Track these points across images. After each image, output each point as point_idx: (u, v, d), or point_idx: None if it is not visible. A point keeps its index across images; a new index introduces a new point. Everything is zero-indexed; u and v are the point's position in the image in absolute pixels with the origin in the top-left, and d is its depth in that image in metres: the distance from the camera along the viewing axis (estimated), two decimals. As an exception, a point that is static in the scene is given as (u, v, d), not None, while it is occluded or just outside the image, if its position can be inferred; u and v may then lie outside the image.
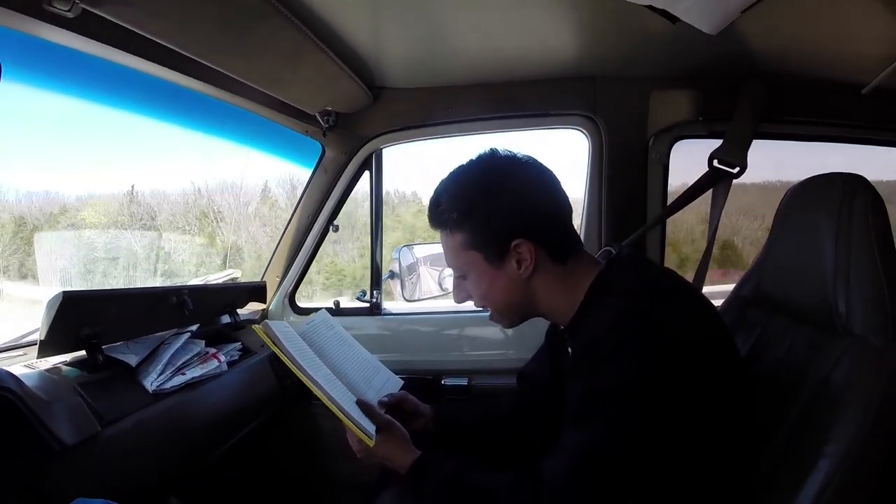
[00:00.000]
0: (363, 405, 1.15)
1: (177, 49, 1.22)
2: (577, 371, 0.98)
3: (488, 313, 1.14)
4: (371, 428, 1.11)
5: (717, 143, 1.66)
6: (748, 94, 1.61)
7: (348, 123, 1.92)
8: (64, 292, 1.13)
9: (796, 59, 1.56)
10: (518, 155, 1.08)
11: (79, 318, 1.20)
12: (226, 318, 1.83)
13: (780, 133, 1.78)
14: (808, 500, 0.93)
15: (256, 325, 1.12)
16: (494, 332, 1.96)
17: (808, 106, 1.71)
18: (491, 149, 1.08)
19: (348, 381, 1.21)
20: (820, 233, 1.08)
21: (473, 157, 1.09)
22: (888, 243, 1.03)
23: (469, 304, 1.15)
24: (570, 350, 1.11)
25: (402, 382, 1.37)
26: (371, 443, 1.09)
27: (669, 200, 1.79)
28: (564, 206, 1.08)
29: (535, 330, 1.38)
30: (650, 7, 1.08)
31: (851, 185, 1.06)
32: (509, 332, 1.91)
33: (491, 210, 1.03)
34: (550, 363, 1.30)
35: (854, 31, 1.38)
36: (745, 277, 1.35)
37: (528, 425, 1.33)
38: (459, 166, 1.09)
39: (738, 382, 1.00)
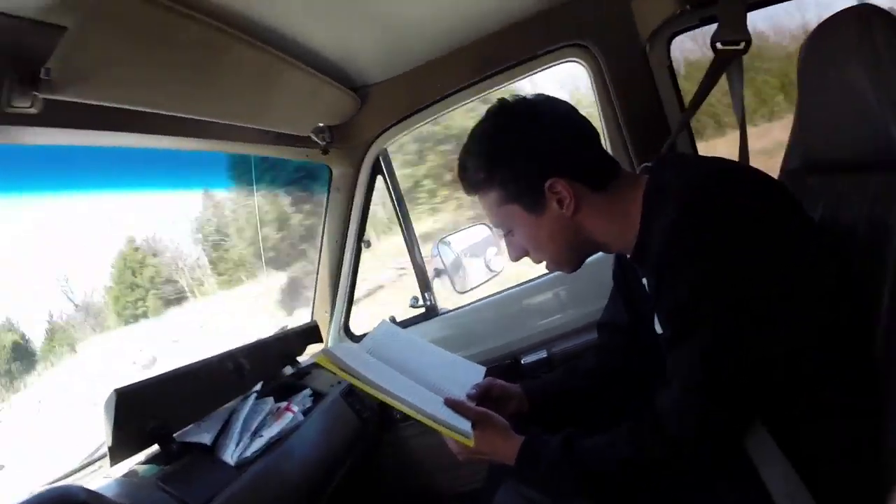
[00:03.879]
0: (452, 403, 1.09)
1: (150, 110, 1.14)
2: (660, 293, 0.92)
3: (546, 272, 1.11)
4: (466, 426, 1.04)
5: (713, 28, 1.55)
6: None
7: (345, 134, 1.84)
8: (116, 390, 1.08)
9: None
10: (527, 96, 1.05)
11: (140, 411, 1.14)
12: (288, 370, 1.77)
13: None
14: None
15: (320, 356, 1.03)
16: (558, 295, 1.89)
17: None
18: (499, 100, 1.05)
19: (429, 385, 1.13)
20: (850, 77, 0.98)
21: (484, 114, 1.07)
22: None
23: (524, 272, 1.08)
24: (644, 279, 1.07)
25: (485, 369, 1.29)
26: (470, 442, 1.02)
27: (685, 100, 1.69)
28: (588, 132, 1.04)
29: (598, 279, 1.38)
30: None
31: (865, 18, 0.97)
32: (574, 290, 1.86)
33: (514, 159, 1.00)
34: (626, 304, 1.27)
35: None
36: (787, 153, 1.25)
37: (617, 372, 1.28)
38: (475, 127, 1.07)
39: (820, 247, 0.91)
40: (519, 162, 1.00)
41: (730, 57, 1.51)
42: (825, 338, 0.89)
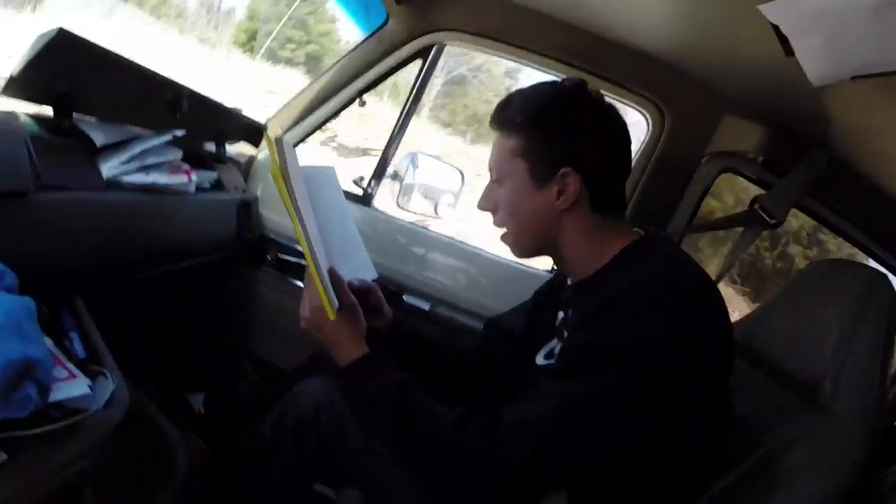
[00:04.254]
0: (335, 276, 1.04)
1: None
2: (583, 325, 0.92)
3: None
4: (335, 302, 1.00)
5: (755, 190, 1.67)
6: (810, 161, 1.57)
7: (426, 4, 1.74)
8: (61, 29, 0.98)
9: (866, 154, 1.49)
10: (606, 98, 1.03)
11: (63, 65, 1.04)
12: (210, 147, 1.69)
13: (816, 213, 1.70)
14: None
15: (271, 135, 0.96)
16: (474, 270, 1.88)
17: (853, 205, 1.64)
18: (581, 80, 1.03)
19: (329, 247, 1.08)
20: (830, 312, 1.09)
21: (560, 78, 1.06)
22: (891, 345, 1.05)
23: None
24: (567, 311, 1.08)
25: (377, 276, 1.26)
26: (333, 315, 0.98)
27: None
28: (626, 165, 1.05)
29: (516, 289, 1.40)
30: (775, 27, 0.95)
31: (875, 281, 1.08)
32: (487, 276, 1.87)
33: (557, 127, 0.98)
34: (528, 322, 1.25)
35: None
36: (735, 326, 1.29)
37: (487, 368, 1.27)
38: (545, 81, 1.05)
39: (725, 404, 0.96)
40: (558, 134, 0.98)
41: (759, 221, 1.59)
42: (668, 476, 0.92)
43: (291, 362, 1.74)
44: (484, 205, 1.07)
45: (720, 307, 0.93)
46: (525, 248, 1.07)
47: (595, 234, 1.00)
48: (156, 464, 0.98)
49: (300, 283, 1.75)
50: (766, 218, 1.58)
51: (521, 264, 1.82)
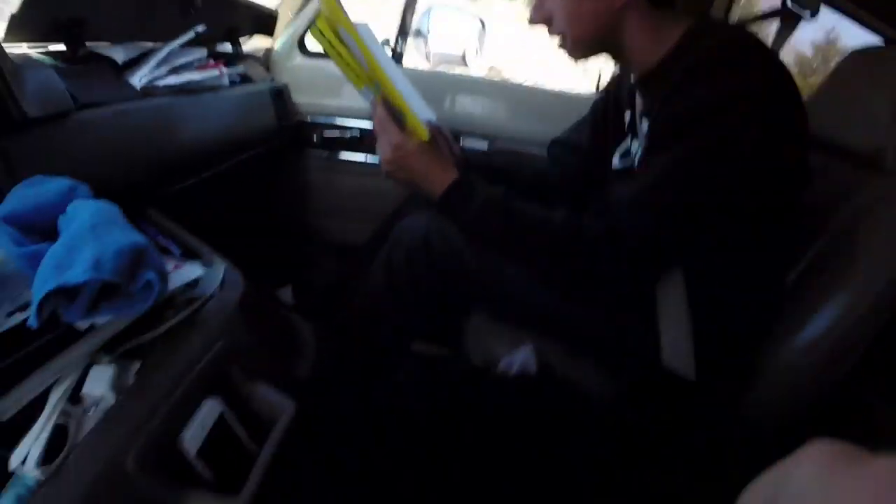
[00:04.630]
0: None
1: None
2: (665, 103, 0.88)
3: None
4: (428, 116, 0.99)
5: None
6: None
7: None
8: None
9: None
10: None
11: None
12: (227, 47, 1.63)
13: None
14: (825, 324, 0.98)
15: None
16: (520, 104, 1.86)
17: None
18: None
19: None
20: (878, 94, 1.10)
21: None
22: None
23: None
24: (635, 108, 1.05)
25: (436, 118, 1.23)
26: (426, 135, 0.98)
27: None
28: None
29: (565, 112, 1.41)
30: None
31: None
32: (535, 106, 1.85)
33: None
34: (593, 132, 1.23)
35: None
36: None
37: (564, 185, 1.27)
38: None
39: (806, 158, 0.94)
40: None
41: (792, 14, 1.58)
42: (773, 214, 0.92)
43: (359, 239, 1.77)
44: (537, 17, 0.99)
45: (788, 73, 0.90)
46: (586, 49, 0.99)
47: (655, 26, 0.95)
48: (284, 340, 1.01)
49: (351, 157, 1.73)
50: (801, 10, 1.55)
51: (564, 92, 1.81)
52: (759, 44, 0.86)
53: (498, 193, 0.97)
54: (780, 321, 1.02)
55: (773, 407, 1.03)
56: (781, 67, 0.86)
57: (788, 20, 1.60)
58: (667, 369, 0.96)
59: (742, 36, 0.87)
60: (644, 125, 0.98)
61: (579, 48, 0.99)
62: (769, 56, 0.85)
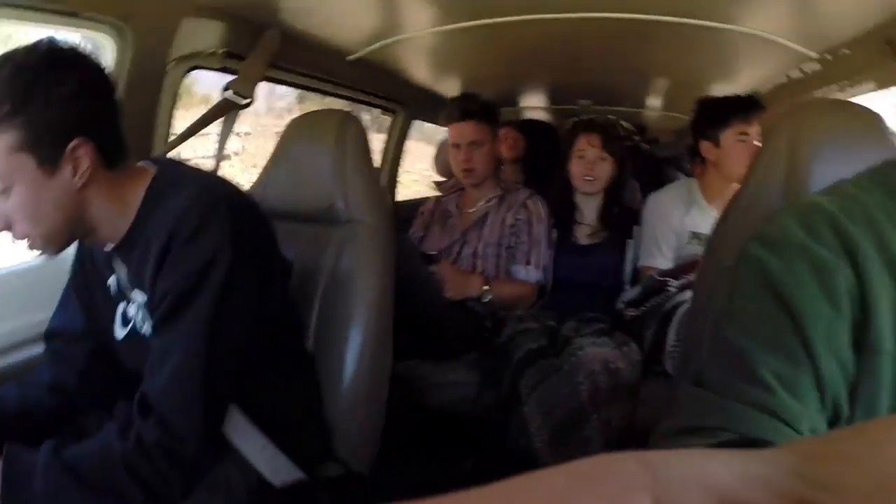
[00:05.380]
0: None
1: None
2: (154, 273, 0.90)
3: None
4: None
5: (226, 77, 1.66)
6: (266, 40, 1.67)
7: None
8: None
9: (304, 22, 1.71)
10: (68, 44, 0.89)
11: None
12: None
13: (284, 80, 2.03)
14: (349, 358, 1.15)
15: None
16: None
17: (308, 62, 1.95)
18: (48, 37, 0.88)
19: None
20: (320, 152, 1.26)
21: (25, 44, 0.87)
22: (370, 160, 1.32)
23: None
24: (111, 277, 1.02)
25: None
26: None
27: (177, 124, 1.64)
28: (117, 105, 0.94)
29: (51, 284, 1.16)
30: None
31: (345, 119, 1.29)
32: (13, 295, 1.37)
33: (52, 98, 0.83)
34: (82, 307, 1.10)
35: (346, 9, 1.66)
36: (251, 192, 1.34)
37: (79, 383, 1.09)
38: (7, 52, 0.85)
39: (284, 265, 1.10)
40: (56, 106, 0.83)
41: (232, 106, 1.61)
42: (278, 324, 1.04)
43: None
44: None
45: (248, 198, 1.03)
46: (60, 242, 0.93)
47: (117, 191, 0.92)
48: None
49: None
50: (239, 99, 1.60)
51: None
52: (222, 184, 0.97)
53: (46, 453, 0.86)
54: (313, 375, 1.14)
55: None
56: (247, 203, 0.98)
57: (231, 111, 1.61)
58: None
59: (205, 180, 0.96)
60: (138, 296, 0.97)
61: (55, 241, 0.92)
62: (236, 198, 0.95)
